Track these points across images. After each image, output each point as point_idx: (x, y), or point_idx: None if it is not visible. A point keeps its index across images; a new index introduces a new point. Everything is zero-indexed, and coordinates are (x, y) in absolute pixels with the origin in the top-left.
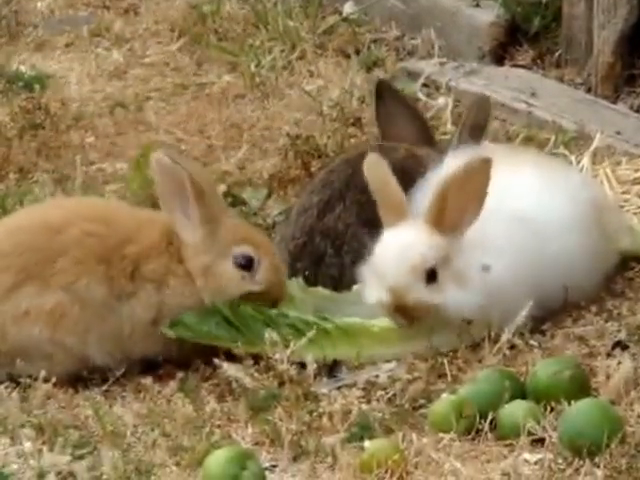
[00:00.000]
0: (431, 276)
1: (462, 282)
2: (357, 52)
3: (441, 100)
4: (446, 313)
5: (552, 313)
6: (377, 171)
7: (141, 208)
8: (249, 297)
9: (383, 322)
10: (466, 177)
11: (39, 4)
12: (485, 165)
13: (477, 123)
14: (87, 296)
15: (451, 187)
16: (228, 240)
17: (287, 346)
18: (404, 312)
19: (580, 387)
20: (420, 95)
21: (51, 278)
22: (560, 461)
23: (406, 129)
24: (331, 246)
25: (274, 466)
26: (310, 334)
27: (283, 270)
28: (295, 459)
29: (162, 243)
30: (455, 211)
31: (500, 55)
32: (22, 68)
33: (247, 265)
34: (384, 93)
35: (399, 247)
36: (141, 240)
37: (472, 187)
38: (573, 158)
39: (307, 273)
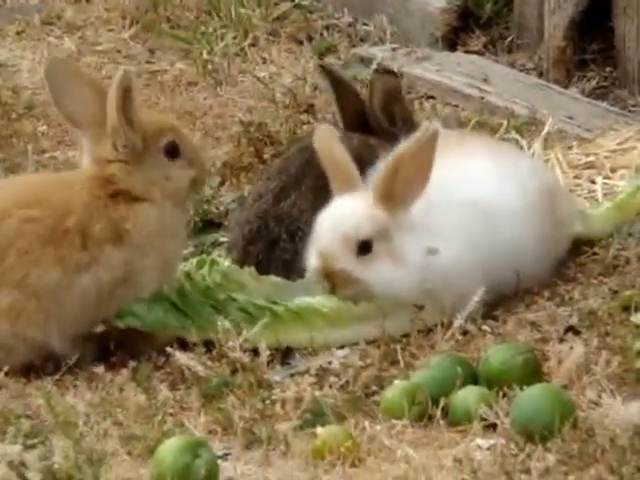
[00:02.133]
0: (363, 248)
1: (398, 261)
2: (310, 39)
3: None
4: (372, 288)
5: (504, 299)
6: (327, 141)
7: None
8: (194, 186)
9: (332, 302)
10: (416, 146)
11: None
12: (433, 133)
13: (387, 103)
14: (41, 285)
15: (402, 159)
16: (150, 138)
17: (239, 333)
18: (331, 279)
19: (532, 372)
20: None
21: (2, 277)
22: (512, 446)
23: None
24: (285, 231)
25: (227, 454)
26: (263, 321)
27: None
28: (248, 447)
29: (94, 198)
30: (401, 185)
31: (452, 41)
32: None
33: (175, 152)
34: (332, 76)
35: (337, 215)
36: (76, 207)
37: (419, 160)
38: (525, 143)
39: (260, 257)
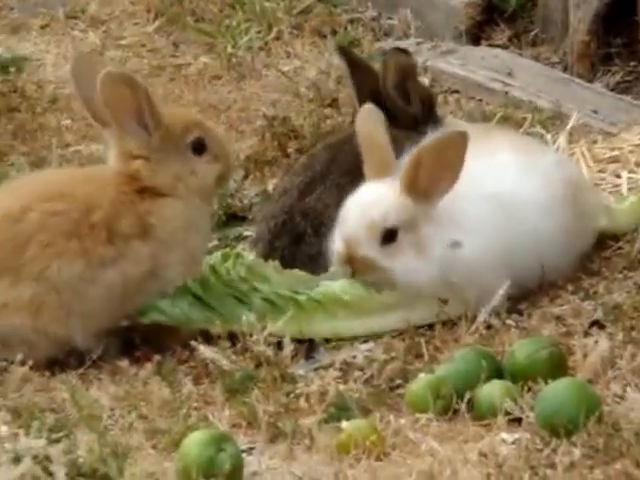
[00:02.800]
0: (388, 237)
1: (422, 251)
2: (334, 32)
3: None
4: (394, 277)
5: (529, 292)
6: (369, 122)
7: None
8: (220, 181)
9: (354, 289)
10: (442, 147)
11: None
12: (462, 138)
13: (401, 80)
14: (62, 279)
15: (425, 154)
16: (177, 134)
17: (263, 327)
18: (353, 264)
19: (557, 366)
20: None
21: (22, 268)
22: (537, 441)
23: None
24: (310, 226)
25: (251, 448)
26: (287, 315)
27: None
28: (272, 441)
29: (120, 194)
30: (428, 179)
31: (476, 35)
32: None
33: (201, 147)
34: (348, 57)
35: (365, 200)
36: (102, 202)
37: (447, 158)
38: (549, 137)
39: (285, 252)
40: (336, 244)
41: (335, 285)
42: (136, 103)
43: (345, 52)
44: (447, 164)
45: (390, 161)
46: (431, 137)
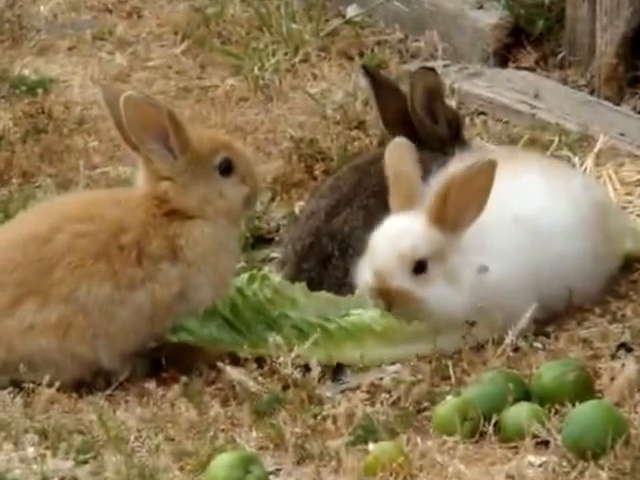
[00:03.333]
0: (419, 268)
1: (453, 280)
2: (361, 55)
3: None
4: (428, 307)
5: (556, 315)
6: (398, 154)
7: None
8: (247, 202)
9: (384, 319)
10: (470, 176)
11: (42, 8)
12: (490, 167)
13: (428, 100)
14: (91, 301)
15: (454, 184)
16: (204, 156)
17: (291, 349)
18: (386, 297)
19: (584, 389)
20: None
21: (50, 290)
22: (564, 464)
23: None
24: (337, 248)
25: (278, 470)
26: (314, 337)
27: (253, 158)
28: (299, 463)
29: (149, 216)
30: (456, 209)
31: (503, 57)
32: (25, 72)
33: (228, 168)
34: (373, 77)
35: (393, 233)
36: (131, 224)
37: (475, 187)
38: (576, 160)
39: (312, 274)
40: (367, 277)
41: (366, 315)
42: (160, 126)
43: (369, 72)
44: (475, 194)
45: (417, 193)
46: (459, 168)
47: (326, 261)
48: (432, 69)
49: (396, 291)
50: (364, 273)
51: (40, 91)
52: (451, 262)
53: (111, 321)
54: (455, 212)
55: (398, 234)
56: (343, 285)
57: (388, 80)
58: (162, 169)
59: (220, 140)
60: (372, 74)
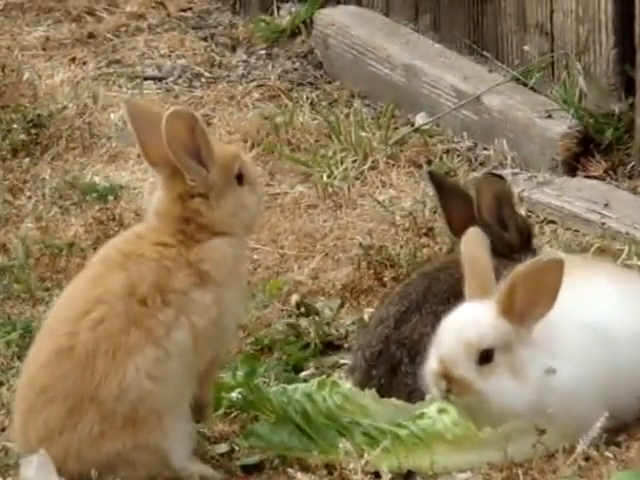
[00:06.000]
0: (485, 357)
1: (518, 374)
2: (429, 162)
3: None
4: (488, 399)
5: (627, 425)
6: (474, 244)
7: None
8: (261, 210)
9: (455, 426)
10: (537, 273)
11: (112, 116)
12: (558, 265)
13: (496, 207)
14: (142, 376)
15: (521, 278)
16: (226, 167)
17: (361, 455)
18: (448, 384)
19: None
20: None
21: (99, 390)
22: None
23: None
24: (407, 355)
25: None
26: (384, 443)
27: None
28: None
29: (165, 247)
30: (524, 303)
31: (572, 166)
32: (96, 179)
33: (241, 176)
34: (439, 183)
35: (462, 320)
36: (144, 273)
37: (542, 284)
38: None
39: (382, 381)
40: (432, 363)
41: (438, 422)
42: (196, 141)
43: (435, 177)
44: (542, 290)
45: (490, 283)
46: (527, 262)
47: (395, 368)
48: (499, 175)
49: (458, 379)
50: (430, 359)
51: (111, 198)
52: (518, 356)
53: (167, 382)
54: (523, 305)
55: (466, 322)
56: (413, 392)
57: (454, 185)
58: (197, 185)
59: (231, 149)
60: (438, 179)
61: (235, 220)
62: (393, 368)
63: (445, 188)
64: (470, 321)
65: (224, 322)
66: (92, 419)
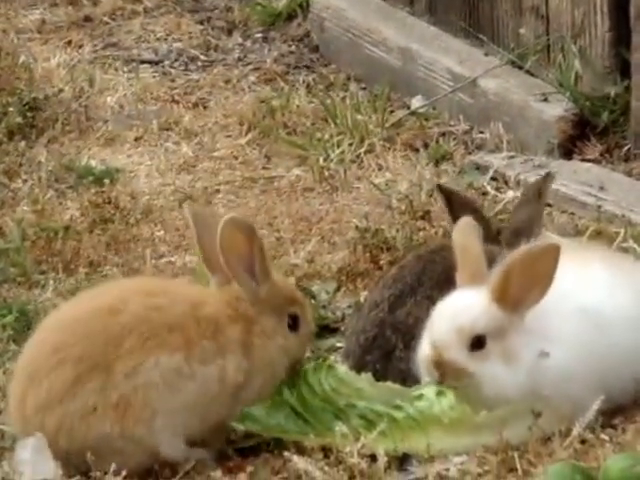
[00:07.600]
0: (477, 343)
1: (510, 360)
2: (425, 146)
3: (510, 194)
4: (480, 384)
5: (622, 407)
6: (466, 233)
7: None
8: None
9: (452, 410)
10: (533, 259)
11: (109, 99)
12: (553, 250)
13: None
14: (157, 372)
15: (517, 265)
16: (282, 300)
17: (357, 439)
18: (440, 369)
19: None
20: (488, 189)
21: (114, 364)
22: None
23: None
24: (401, 340)
25: None
26: (381, 427)
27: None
28: None
29: (231, 308)
30: (518, 288)
31: (569, 149)
32: (92, 163)
33: (294, 325)
34: (449, 196)
35: (454, 306)
36: (212, 303)
37: (538, 269)
38: None
39: (377, 366)
40: (424, 348)
41: (435, 406)
42: (250, 252)
43: (444, 191)
44: (538, 276)
45: (482, 271)
46: (522, 248)
47: (390, 353)
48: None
49: (450, 364)
50: (423, 345)
51: (107, 181)
52: (511, 342)
53: (175, 395)
54: (517, 291)
55: (458, 308)
56: (407, 377)
57: (464, 198)
58: (242, 294)
59: (297, 294)
60: (447, 193)
61: (270, 343)
62: (388, 353)
63: (455, 201)
64: (463, 307)
65: (244, 394)
66: (92, 389)
